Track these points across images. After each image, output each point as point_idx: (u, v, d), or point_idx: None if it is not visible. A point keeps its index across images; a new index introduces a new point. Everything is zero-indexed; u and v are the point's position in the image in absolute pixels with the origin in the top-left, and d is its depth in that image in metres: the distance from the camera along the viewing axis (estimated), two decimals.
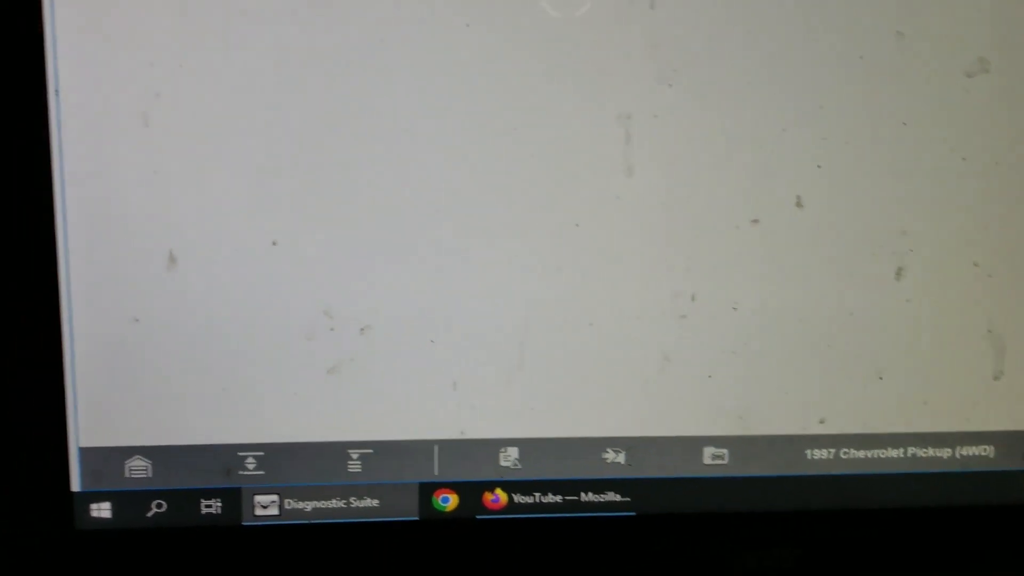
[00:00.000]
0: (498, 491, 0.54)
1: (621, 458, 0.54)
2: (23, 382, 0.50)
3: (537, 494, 0.54)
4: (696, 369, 0.54)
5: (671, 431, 0.54)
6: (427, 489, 0.54)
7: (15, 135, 0.47)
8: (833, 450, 0.56)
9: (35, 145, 0.47)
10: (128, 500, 0.52)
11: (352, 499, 0.54)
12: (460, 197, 0.51)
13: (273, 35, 0.48)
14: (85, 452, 0.51)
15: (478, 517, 0.54)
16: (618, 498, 0.55)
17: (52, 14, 0.46)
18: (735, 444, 0.55)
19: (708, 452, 0.55)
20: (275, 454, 0.53)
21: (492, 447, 0.53)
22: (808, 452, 0.56)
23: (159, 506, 0.53)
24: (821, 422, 0.56)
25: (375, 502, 0.54)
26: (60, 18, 0.46)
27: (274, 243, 0.50)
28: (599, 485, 0.55)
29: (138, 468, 0.52)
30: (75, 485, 0.52)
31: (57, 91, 0.47)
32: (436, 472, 0.54)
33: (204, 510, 0.53)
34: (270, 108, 0.49)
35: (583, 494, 0.55)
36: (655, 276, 0.52)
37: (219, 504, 0.53)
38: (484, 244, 0.51)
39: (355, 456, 0.53)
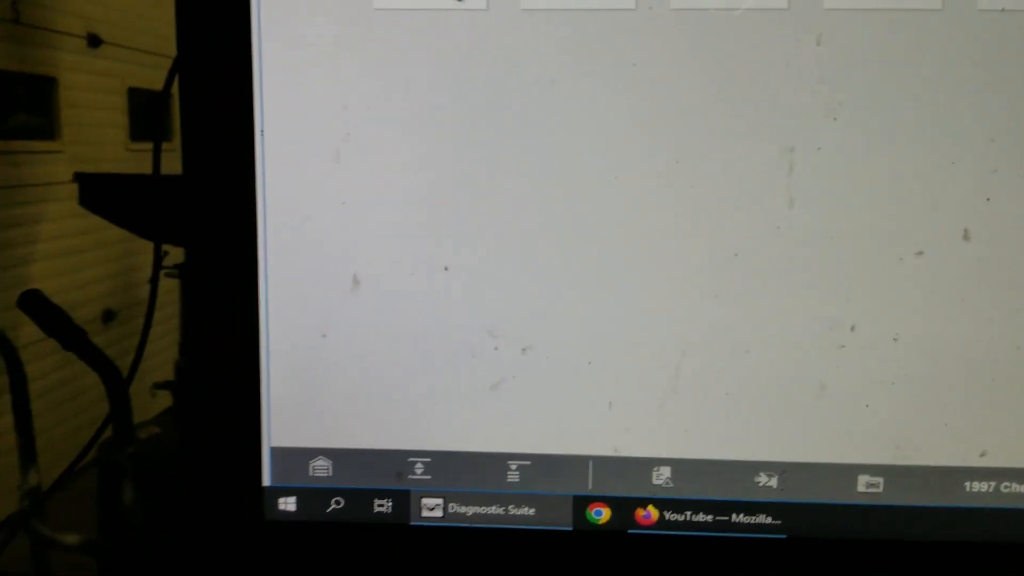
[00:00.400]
0: (650, 507, 0.56)
1: (774, 482, 0.55)
2: (225, 388, 0.56)
3: (688, 512, 0.56)
4: (853, 398, 0.54)
5: (825, 458, 0.55)
6: (581, 502, 0.57)
7: (228, 170, 0.53)
8: (993, 483, 0.55)
9: (243, 179, 0.53)
10: (311, 496, 0.57)
11: (510, 507, 0.57)
12: (621, 225, 0.53)
13: (448, 81, 0.52)
14: (276, 451, 0.57)
15: (630, 531, 0.57)
16: (769, 520, 0.56)
17: (260, 66, 0.52)
18: (891, 473, 0.55)
19: (863, 480, 0.55)
20: (441, 461, 0.57)
21: (645, 465, 0.56)
22: (967, 484, 0.55)
23: (337, 503, 0.58)
24: (982, 455, 0.55)
25: (531, 511, 0.57)
26: (267, 69, 0.52)
27: (446, 268, 0.54)
28: (751, 507, 0.56)
29: (321, 467, 0.57)
30: (266, 480, 0.57)
31: (262, 131, 0.53)
32: (590, 486, 0.56)
33: (377, 509, 0.58)
34: (445, 146, 0.52)
35: (734, 515, 0.56)
36: (814, 306, 0.53)
37: (390, 504, 0.57)
38: (643, 271, 0.53)
39: (514, 467, 0.56)
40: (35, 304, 1.26)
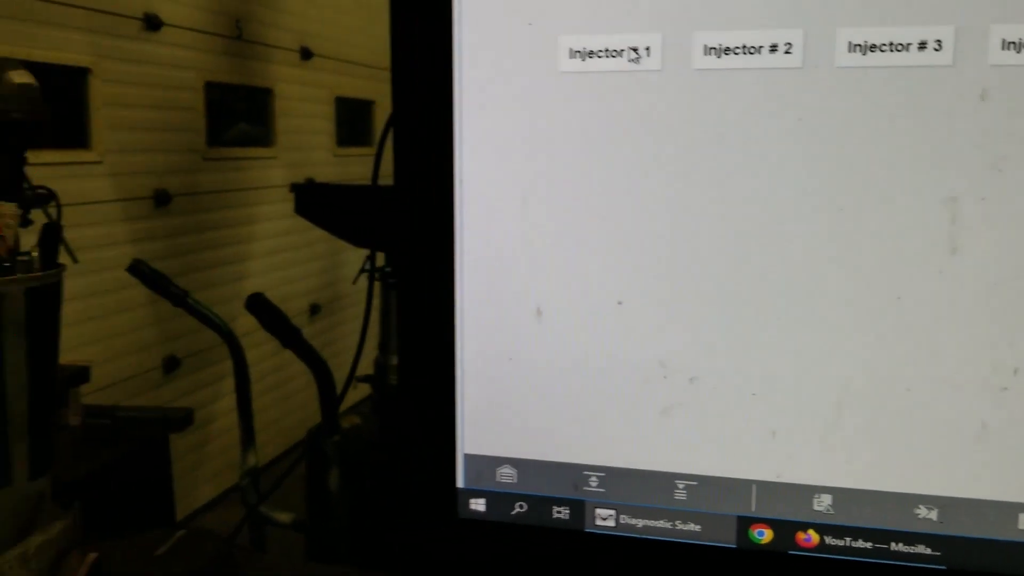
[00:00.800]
0: (811, 532, 0.60)
1: (933, 515, 0.57)
2: (427, 403, 0.64)
3: (848, 539, 0.59)
4: (1015, 439, 0.55)
5: (986, 494, 0.56)
6: (744, 522, 0.61)
7: (431, 213, 0.62)
8: None
9: (445, 221, 0.61)
10: (498, 499, 0.65)
11: (677, 522, 0.62)
12: (788, 266, 0.57)
13: (625, 135, 0.58)
14: (468, 458, 0.65)
15: (790, 552, 0.60)
16: (928, 551, 0.58)
17: (461, 124, 0.60)
18: None
19: None
20: (614, 476, 0.62)
21: (806, 492, 0.59)
22: None
23: (521, 507, 0.65)
24: None
25: (697, 527, 0.62)
26: (467, 126, 0.60)
27: (619, 303, 0.59)
28: (910, 537, 0.58)
29: (507, 475, 0.64)
30: (460, 482, 0.65)
31: (461, 180, 0.60)
32: (753, 508, 0.60)
33: (555, 515, 0.64)
34: (620, 193, 0.58)
35: (893, 544, 0.59)
36: (976, 349, 0.55)
37: (567, 511, 0.64)
38: (808, 310, 0.57)
39: (681, 486, 0.61)
40: (259, 306, 1.42)
